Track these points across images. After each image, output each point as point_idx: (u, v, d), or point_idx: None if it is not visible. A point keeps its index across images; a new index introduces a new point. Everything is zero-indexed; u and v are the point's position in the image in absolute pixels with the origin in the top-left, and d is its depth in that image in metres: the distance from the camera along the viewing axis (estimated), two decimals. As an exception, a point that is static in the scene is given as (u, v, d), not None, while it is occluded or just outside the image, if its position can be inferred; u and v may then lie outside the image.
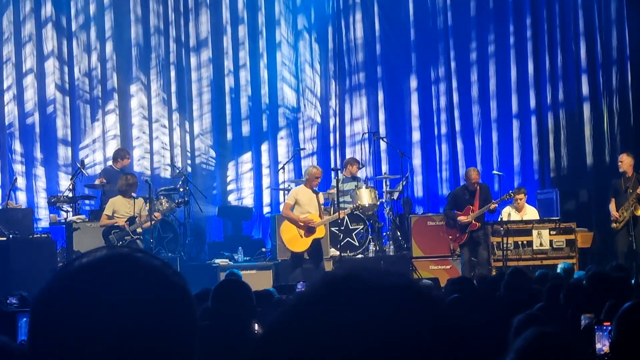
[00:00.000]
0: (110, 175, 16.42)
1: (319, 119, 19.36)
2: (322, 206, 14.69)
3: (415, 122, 19.24)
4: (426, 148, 19.22)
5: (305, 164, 19.02)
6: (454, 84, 19.25)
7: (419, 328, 1.35)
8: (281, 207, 15.35)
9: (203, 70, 19.04)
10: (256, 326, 6.03)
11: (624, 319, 4.09)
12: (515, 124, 19.00)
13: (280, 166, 18.14)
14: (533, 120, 18.92)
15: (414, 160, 18.99)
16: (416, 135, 19.22)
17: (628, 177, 15.15)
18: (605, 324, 4.94)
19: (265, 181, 19.12)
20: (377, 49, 19.36)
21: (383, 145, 18.81)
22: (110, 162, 17.17)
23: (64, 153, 18.32)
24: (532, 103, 18.93)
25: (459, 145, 19.15)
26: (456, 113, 19.22)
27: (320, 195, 14.74)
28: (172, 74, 18.92)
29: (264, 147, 19.21)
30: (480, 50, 19.17)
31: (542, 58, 18.95)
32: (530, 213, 15.98)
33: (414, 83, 19.28)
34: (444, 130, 19.23)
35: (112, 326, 1.53)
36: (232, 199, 19.07)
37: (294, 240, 14.50)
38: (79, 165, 16.74)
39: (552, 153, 18.81)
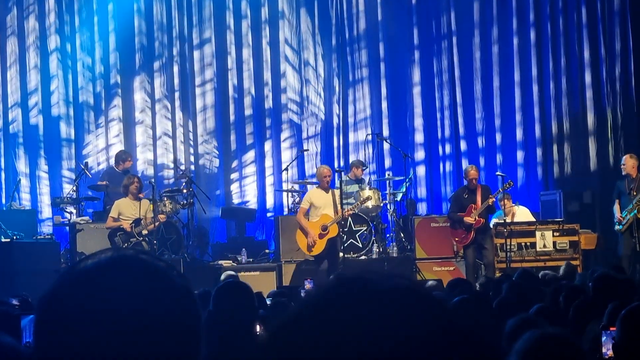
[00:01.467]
0: (112, 177, 16.42)
1: (322, 120, 19.35)
2: (341, 202, 14.74)
3: (419, 124, 19.23)
4: (429, 149, 19.21)
5: (309, 165, 19.04)
6: (457, 84, 19.24)
7: (425, 330, 1.35)
8: (287, 210, 15.34)
9: (206, 71, 19.04)
10: (258, 327, 6.03)
11: (627, 320, 4.09)
12: (519, 127, 18.99)
13: (283, 167, 18.13)
14: (537, 123, 18.90)
15: (417, 162, 18.98)
16: (419, 137, 19.22)
17: (632, 178, 15.11)
18: (611, 328, 4.94)
19: (269, 182, 19.12)
20: (381, 49, 19.35)
21: (386, 146, 18.81)
22: (112, 164, 17.18)
23: (67, 154, 18.32)
24: (536, 106, 18.90)
25: (462, 147, 19.15)
26: (459, 115, 19.20)
27: (336, 192, 14.85)
28: (175, 75, 18.92)
29: (267, 148, 19.21)
30: (484, 50, 19.16)
31: (546, 58, 18.94)
32: (522, 214, 16.02)
33: (417, 86, 19.27)
34: (447, 132, 19.22)
35: (116, 328, 1.53)
36: (235, 200, 19.07)
37: (310, 245, 14.67)
38: (82, 167, 16.74)
39: (556, 154, 18.80)
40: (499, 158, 18.94)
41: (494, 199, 14.82)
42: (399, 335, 1.33)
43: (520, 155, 18.96)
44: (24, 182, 17.83)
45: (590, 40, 18.77)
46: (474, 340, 1.37)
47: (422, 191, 19.13)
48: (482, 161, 18.80)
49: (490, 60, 19.18)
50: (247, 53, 19.18)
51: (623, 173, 15.22)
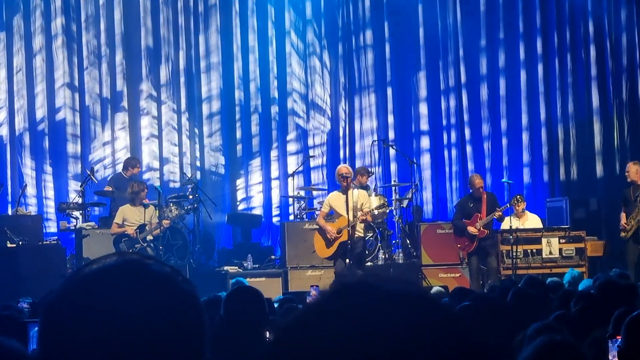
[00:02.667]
0: (119, 182, 16.44)
1: (328, 127, 19.37)
2: (359, 205, 13.97)
3: (425, 130, 19.23)
4: (435, 156, 19.21)
5: (315, 171, 19.05)
6: (464, 94, 19.24)
7: (430, 336, 1.35)
8: (293, 216, 15.10)
9: (213, 77, 19.05)
10: (268, 334, 6.02)
11: (632, 327, 4.08)
12: (525, 132, 18.98)
13: (290, 174, 18.13)
14: (543, 128, 18.90)
15: (423, 168, 18.98)
16: (425, 143, 19.22)
17: (637, 185, 15.08)
18: (617, 337, 4.93)
19: (275, 188, 19.12)
20: (387, 52, 19.35)
21: (392, 152, 18.81)
22: (120, 170, 17.19)
23: (73, 160, 18.35)
24: (542, 111, 18.91)
25: (469, 153, 19.15)
26: (466, 121, 19.21)
27: (360, 193, 14.19)
28: (182, 81, 18.95)
29: (274, 155, 19.22)
30: (490, 59, 19.16)
31: (552, 66, 18.93)
32: (533, 221, 15.97)
33: (423, 91, 19.28)
34: (453, 138, 19.22)
35: (121, 333, 1.53)
36: (241, 206, 19.08)
37: (323, 248, 14.32)
38: (88, 172, 16.76)
39: (562, 161, 18.79)
40: (505, 162, 18.92)
41: (501, 213, 14.77)
42: (402, 340, 1.33)
43: (526, 162, 18.95)
44: (30, 188, 17.85)
45: (597, 49, 18.75)
46: (479, 346, 1.37)
47: (428, 197, 19.12)
48: (487, 165, 18.77)
49: (497, 70, 19.18)
50: (253, 59, 19.19)
51: (628, 180, 15.20)
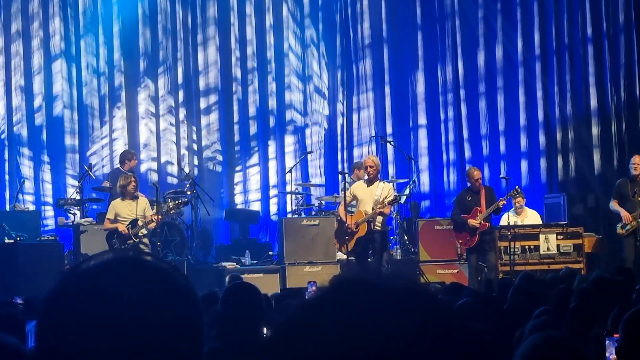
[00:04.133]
0: (117, 177, 16.41)
1: (326, 123, 19.37)
2: (382, 198, 13.76)
3: (423, 127, 19.23)
4: (433, 152, 19.22)
5: (313, 167, 19.06)
6: (462, 93, 19.25)
7: (429, 331, 1.35)
8: (290, 212, 15.08)
9: (211, 74, 19.05)
10: (265, 330, 6.02)
11: (630, 324, 4.08)
12: (523, 129, 18.98)
13: (287, 170, 18.13)
14: (540, 125, 18.89)
15: (421, 164, 19.00)
16: (423, 139, 19.21)
17: (637, 181, 14.83)
18: (615, 335, 4.94)
19: (273, 184, 19.12)
20: (385, 53, 19.36)
21: (390, 149, 18.81)
22: (117, 164, 17.17)
23: (71, 155, 18.34)
24: (540, 108, 18.90)
25: (467, 151, 19.15)
26: (464, 118, 19.21)
27: (380, 185, 13.94)
28: (180, 76, 18.95)
29: (271, 151, 19.22)
30: (488, 56, 19.16)
31: (550, 63, 18.93)
32: (532, 217, 15.97)
33: (421, 86, 19.28)
34: (451, 135, 19.22)
35: (118, 329, 1.53)
36: (239, 202, 19.08)
37: (342, 242, 14.21)
38: (86, 168, 16.75)
39: (560, 157, 18.79)
40: (502, 160, 18.93)
41: (505, 202, 14.73)
42: (401, 335, 1.33)
43: (524, 158, 18.95)
44: (28, 183, 17.84)
45: (595, 47, 18.74)
46: (478, 341, 1.37)
47: (425, 194, 19.12)
48: (485, 164, 18.78)
49: (494, 66, 19.17)
50: (251, 55, 19.19)
51: (635, 173, 14.90)
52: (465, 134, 19.19)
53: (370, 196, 13.86)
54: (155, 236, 14.51)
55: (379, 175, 14.30)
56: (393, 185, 17.29)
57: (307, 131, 19.29)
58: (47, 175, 18.19)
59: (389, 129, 19.24)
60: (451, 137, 19.21)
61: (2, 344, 2.03)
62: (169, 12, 18.91)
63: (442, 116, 19.27)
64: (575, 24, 18.91)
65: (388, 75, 19.35)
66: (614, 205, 15.01)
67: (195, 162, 18.96)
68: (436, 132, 19.26)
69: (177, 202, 15.19)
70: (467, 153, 19.14)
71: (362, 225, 13.85)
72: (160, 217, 14.40)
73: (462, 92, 19.25)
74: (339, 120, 19.44)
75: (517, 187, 15.54)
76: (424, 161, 19.16)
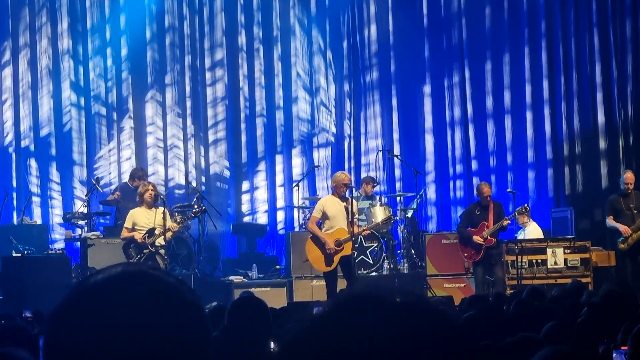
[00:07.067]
0: (124, 191, 16.45)
1: (333, 137, 19.38)
2: (355, 216, 13.20)
3: (430, 140, 19.23)
4: (440, 166, 19.20)
5: (320, 181, 19.04)
6: (469, 106, 19.24)
7: (435, 347, 1.35)
8: (298, 226, 15.00)
9: (218, 87, 19.08)
10: (272, 344, 6.01)
11: (639, 339, 4.08)
12: (530, 144, 18.96)
13: (294, 183, 18.13)
14: (548, 140, 18.87)
15: (428, 179, 18.98)
16: (430, 153, 19.20)
17: (631, 197, 15.07)
18: (622, 348, 4.92)
19: (280, 198, 19.12)
20: (392, 65, 19.37)
21: (397, 162, 18.79)
22: (126, 179, 17.19)
23: (79, 170, 18.37)
24: (547, 124, 18.89)
25: (474, 164, 19.14)
26: (471, 131, 19.20)
27: (354, 203, 13.37)
28: (187, 91, 18.98)
29: (279, 164, 19.23)
30: (495, 68, 19.15)
31: (557, 76, 18.92)
32: (533, 230, 15.99)
33: (428, 102, 19.29)
34: (458, 148, 19.20)
35: (126, 343, 1.53)
36: (246, 216, 19.08)
37: (319, 259, 13.27)
38: (93, 182, 16.79)
39: (567, 171, 18.76)
40: (509, 175, 18.91)
41: (509, 221, 14.73)
42: (408, 350, 1.33)
43: (531, 171, 18.93)
44: (35, 197, 17.87)
45: (602, 59, 18.73)
46: (483, 355, 1.37)
47: (432, 209, 19.11)
48: (492, 178, 18.75)
49: (502, 79, 19.17)
50: (258, 69, 19.21)
51: (628, 190, 15.14)
52: (473, 148, 19.15)
53: (343, 214, 13.09)
54: (169, 248, 14.39)
55: (358, 192, 14.06)
56: (400, 199, 17.33)
57: (314, 145, 19.29)
58: (54, 189, 18.18)
59: (395, 143, 19.22)
60: (458, 153, 19.18)
61: (14, 358, 2.03)
62: (177, 24, 18.95)
63: (448, 133, 19.24)
64: (583, 35, 18.88)
65: (395, 88, 19.35)
66: (610, 221, 15.22)
67: (203, 176, 18.96)
68: (442, 145, 19.23)
69: (191, 214, 14.94)
70: (474, 164, 19.13)
71: (347, 244, 13.08)
72: (177, 225, 14.10)
73: (469, 109, 19.22)
74: (346, 134, 19.42)
75: (526, 204, 15.55)
76: (430, 175, 19.14)
